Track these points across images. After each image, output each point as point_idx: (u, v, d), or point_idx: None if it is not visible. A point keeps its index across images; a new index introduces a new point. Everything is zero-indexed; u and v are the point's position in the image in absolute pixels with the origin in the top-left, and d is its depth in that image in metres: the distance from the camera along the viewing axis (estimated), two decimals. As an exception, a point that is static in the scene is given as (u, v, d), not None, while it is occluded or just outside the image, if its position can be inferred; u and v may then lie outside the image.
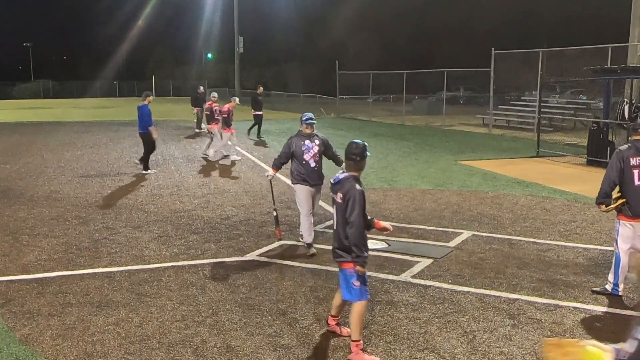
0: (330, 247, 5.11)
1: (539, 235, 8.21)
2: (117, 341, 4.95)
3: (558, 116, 23.70)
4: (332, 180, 4.84)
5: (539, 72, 20.33)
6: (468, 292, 6.06)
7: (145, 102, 13.43)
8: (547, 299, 5.88)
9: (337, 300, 4.99)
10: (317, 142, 7.32)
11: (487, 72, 24.84)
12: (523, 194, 11.14)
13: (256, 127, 21.77)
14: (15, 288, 6.20)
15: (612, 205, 5.87)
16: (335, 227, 4.81)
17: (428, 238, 8.12)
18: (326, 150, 7.44)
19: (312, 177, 7.29)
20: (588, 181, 12.00)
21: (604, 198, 5.89)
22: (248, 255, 7.40)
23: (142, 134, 13.55)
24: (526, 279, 6.44)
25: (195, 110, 24.30)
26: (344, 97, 36.67)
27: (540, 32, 44.15)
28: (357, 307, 4.63)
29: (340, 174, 4.82)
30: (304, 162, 7.25)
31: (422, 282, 6.37)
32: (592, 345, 2.11)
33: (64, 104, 48.30)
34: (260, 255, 7.40)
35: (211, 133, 16.43)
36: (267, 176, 7.72)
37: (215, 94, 16.94)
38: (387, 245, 7.64)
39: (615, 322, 5.39)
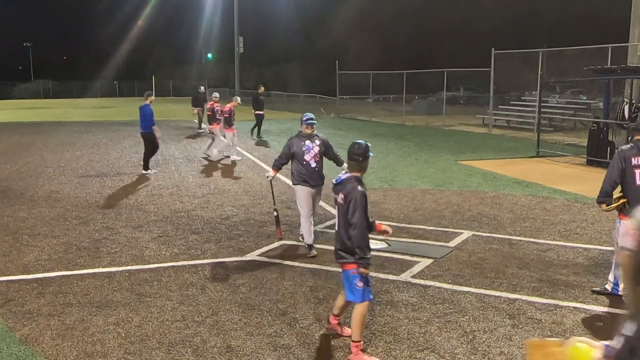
0: (330, 247, 5.11)
1: (539, 235, 8.20)
2: (117, 341, 4.95)
3: (558, 116, 23.70)
4: (334, 181, 4.83)
5: (539, 72, 20.32)
6: (468, 292, 6.06)
7: (147, 102, 13.44)
8: (547, 299, 5.88)
9: (340, 300, 4.98)
10: (317, 142, 7.31)
11: (487, 72, 24.84)
12: (523, 194, 11.14)
13: (256, 127, 21.78)
14: (15, 288, 6.20)
15: (612, 205, 5.87)
16: (337, 228, 4.80)
17: (428, 238, 8.11)
18: (327, 150, 7.43)
19: (312, 178, 7.27)
20: (588, 181, 12.00)
21: (604, 197, 5.89)
22: (248, 255, 7.40)
23: (143, 134, 13.55)
24: (526, 279, 6.44)
25: (195, 110, 24.31)
26: (344, 97, 36.68)
27: (540, 32, 44.21)
28: (360, 308, 4.63)
29: (343, 174, 4.81)
30: (304, 162, 7.24)
31: (422, 282, 6.36)
32: (581, 342, 2.10)
33: (64, 104, 48.31)
34: (260, 255, 7.39)
35: (212, 133, 16.44)
36: (268, 177, 7.71)
37: (216, 94, 16.94)
38: (387, 245, 7.63)
39: (615, 322, 5.38)
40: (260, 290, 6.13)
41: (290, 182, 8.10)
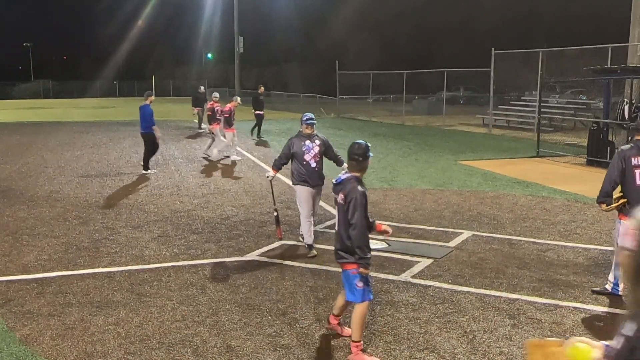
0: (330, 247, 5.11)
1: (539, 235, 8.20)
2: (117, 341, 4.95)
3: (558, 116, 23.69)
4: (334, 181, 4.83)
5: (539, 72, 20.33)
6: (468, 292, 6.06)
7: (147, 102, 13.45)
8: (547, 299, 5.88)
9: (340, 300, 4.98)
10: (317, 142, 7.31)
11: (487, 72, 24.84)
12: (523, 194, 11.14)
13: (256, 127, 21.79)
14: (15, 288, 6.20)
15: (612, 205, 5.87)
16: (337, 228, 4.80)
17: (428, 238, 8.11)
18: (327, 150, 7.43)
19: (312, 178, 7.27)
20: (588, 181, 12.00)
21: (604, 197, 5.89)
22: (248, 255, 7.40)
23: (144, 134, 13.55)
24: (526, 279, 6.44)
25: (195, 110, 24.31)
26: (344, 97, 36.67)
27: (540, 32, 44.22)
28: (360, 308, 4.63)
29: (343, 174, 4.80)
30: (304, 162, 7.23)
31: (422, 282, 6.36)
32: (581, 342, 2.10)
33: (64, 104, 48.31)
34: (260, 255, 7.39)
35: (212, 133, 16.43)
36: (268, 177, 7.72)
37: (217, 94, 16.94)
38: (387, 245, 7.63)
39: (615, 322, 5.38)
40: (260, 290, 6.13)
41: (290, 182, 8.10)
